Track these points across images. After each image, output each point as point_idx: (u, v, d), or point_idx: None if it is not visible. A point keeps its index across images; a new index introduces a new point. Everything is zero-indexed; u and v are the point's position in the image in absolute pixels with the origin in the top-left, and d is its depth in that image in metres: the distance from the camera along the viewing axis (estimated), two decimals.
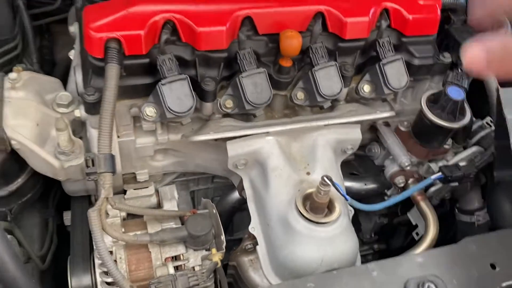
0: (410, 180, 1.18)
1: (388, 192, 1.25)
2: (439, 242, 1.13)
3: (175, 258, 0.96)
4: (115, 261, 0.92)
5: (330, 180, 0.90)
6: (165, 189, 1.09)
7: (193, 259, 0.96)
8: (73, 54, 1.12)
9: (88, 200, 1.16)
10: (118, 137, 1.02)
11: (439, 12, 1.10)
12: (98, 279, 0.93)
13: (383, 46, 1.06)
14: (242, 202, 1.15)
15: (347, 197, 0.93)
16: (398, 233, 1.46)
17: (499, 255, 0.82)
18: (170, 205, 1.05)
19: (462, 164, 1.14)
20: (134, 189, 1.10)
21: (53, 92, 1.03)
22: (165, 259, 0.95)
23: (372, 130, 1.26)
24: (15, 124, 0.92)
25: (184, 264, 0.95)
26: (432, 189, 1.20)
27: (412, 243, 1.18)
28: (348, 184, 1.24)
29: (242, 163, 1.04)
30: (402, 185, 1.19)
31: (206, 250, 0.97)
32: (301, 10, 1.02)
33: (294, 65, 1.05)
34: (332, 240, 0.95)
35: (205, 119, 1.06)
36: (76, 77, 1.04)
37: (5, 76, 0.97)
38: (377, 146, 1.25)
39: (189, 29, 0.95)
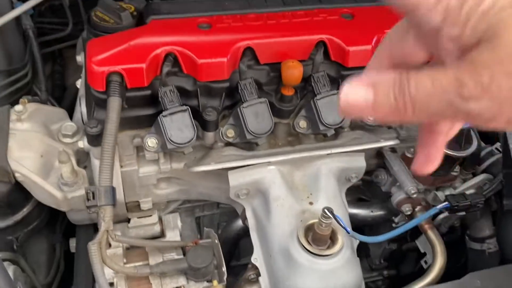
0: (417, 208, 1.16)
1: (396, 219, 1.23)
2: (449, 270, 1.11)
3: None
4: None
5: (331, 212, 0.89)
6: (168, 218, 1.09)
7: None
8: (79, 83, 1.14)
9: (94, 227, 1.17)
10: (121, 166, 1.02)
11: None
12: None
13: None
14: (247, 229, 1.15)
15: (348, 229, 0.91)
16: (408, 259, 1.44)
17: None
18: (173, 234, 1.05)
19: (470, 192, 1.12)
20: (138, 218, 1.10)
21: (58, 122, 1.05)
22: None
23: (378, 156, 1.24)
24: (19, 156, 0.94)
25: None
26: (441, 216, 1.18)
27: (423, 269, 1.15)
28: (355, 211, 1.22)
29: (244, 192, 1.03)
30: (409, 213, 1.17)
31: (207, 282, 0.97)
32: (303, 39, 1.02)
33: (296, 93, 1.05)
34: (334, 273, 0.94)
35: (208, 147, 1.06)
36: (81, 107, 1.06)
37: (11, 109, 0.99)
38: (383, 172, 1.23)
39: (190, 61, 0.96)
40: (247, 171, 1.02)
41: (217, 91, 1.00)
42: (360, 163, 1.08)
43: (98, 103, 0.95)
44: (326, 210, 0.89)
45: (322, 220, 0.90)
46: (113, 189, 0.87)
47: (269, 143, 1.09)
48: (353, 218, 1.18)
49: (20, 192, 0.99)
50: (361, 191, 1.36)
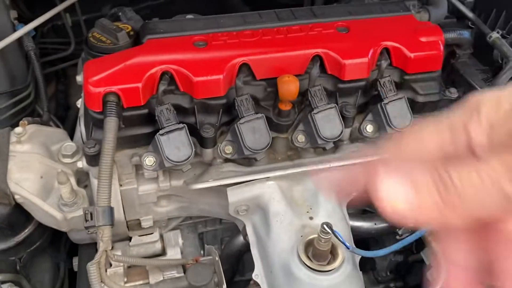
0: None
1: (400, 232, 1.21)
2: None
3: None
4: None
5: (330, 228, 0.88)
6: (169, 235, 1.09)
7: None
8: (80, 103, 1.15)
9: (96, 246, 1.17)
10: (121, 185, 1.03)
11: (442, 48, 1.08)
12: None
13: (384, 85, 1.05)
14: (249, 245, 1.14)
15: (348, 245, 0.90)
16: (415, 271, 1.42)
17: None
18: (174, 252, 1.05)
19: None
20: (139, 236, 1.10)
21: (58, 142, 1.06)
22: None
23: None
24: (19, 178, 0.95)
25: None
26: None
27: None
28: (358, 224, 1.21)
29: (243, 209, 1.03)
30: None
31: None
32: (298, 54, 1.02)
33: (294, 107, 1.05)
34: None
35: (207, 164, 1.06)
36: (81, 127, 1.07)
37: (11, 131, 1.00)
38: None
39: (186, 79, 0.96)
40: (246, 187, 1.02)
41: (214, 108, 1.00)
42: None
43: (95, 124, 0.96)
44: (325, 226, 0.89)
45: (321, 235, 0.89)
46: (111, 209, 0.88)
47: (269, 158, 1.09)
48: (356, 231, 1.17)
49: (21, 214, 1.00)
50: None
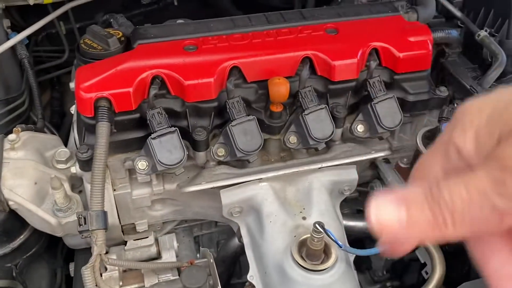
0: None
1: None
2: (454, 279, 1.09)
3: None
4: None
5: (322, 227, 0.89)
6: (164, 239, 1.09)
7: None
8: (73, 110, 1.16)
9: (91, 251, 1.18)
10: (114, 190, 1.04)
11: (430, 47, 1.10)
12: None
13: (373, 85, 1.06)
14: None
15: (340, 244, 0.91)
16: (412, 270, 1.42)
17: None
18: (169, 255, 1.06)
19: None
20: (134, 240, 1.11)
21: (52, 149, 1.07)
22: None
23: (373, 167, 1.24)
24: (13, 184, 0.95)
25: None
26: None
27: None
28: (352, 223, 1.21)
29: (237, 210, 1.04)
30: None
31: None
32: (288, 56, 1.03)
33: (285, 109, 1.06)
34: (329, 287, 0.93)
35: (201, 167, 1.07)
36: (75, 133, 1.08)
37: (5, 138, 1.01)
38: (379, 183, 1.23)
39: (177, 83, 0.97)
40: (239, 189, 1.03)
41: (205, 111, 1.01)
42: (351, 175, 1.08)
43: (88, 129, 0.96)
44: (317, 225, 0.89)
45: (313, 235, 0.90)
46: (104, 213, 0.88)
47: (262, 160, 1.10)
48: (351, 230, 1.18)
49: (15, 220, 1.00)
50: (359, 202, 1.36)
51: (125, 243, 1.13)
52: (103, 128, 0.90)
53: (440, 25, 1.22)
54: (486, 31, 1.18)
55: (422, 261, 1.22)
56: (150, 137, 0.94)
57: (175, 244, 1.09)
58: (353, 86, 1.08)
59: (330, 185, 1.07)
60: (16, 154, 1.00)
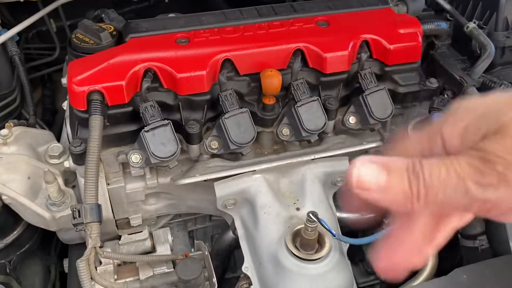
0: None
1: (386, 221, 1.23)
2: (446, 269, 1.11)
3: None
4: None
5: (316, 216, 0.90)
6: (158, 233, 1.10)
7: None
8: (66, 105, 1.16)
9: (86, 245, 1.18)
10: (108, 184, 1.04)
11: (420, 39, 1.11)
12: None
13: (364, 77, 1.07)
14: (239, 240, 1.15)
15: (334, 232, 0.92)
16: None
17: (489, 284, 0.80)
18: (163, 249, 1.06)
19: None
20: (129, 234, 1.11)
21: (45, 144, 1.07)
22: None
23: None
24: (6, 179, 0.95)
25: None
26: None
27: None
28: (345, 215, 1.22)
29: (231, 203, 1.04)
30: None
31: None
32: (280, 49, 1.03)
33: (278, 102, 1.06)
34: (323, 277, 0.94)
35: (194, 160, 1.07)
36: (67, 128, 1.08)
37: None
38: None
39: (170, 76, 0.98)
40: (232, 181, 1.03)
41: (198, 104, 1.01)
42: (344, 166, 1.09)
43: (81, 123, 0.96)
44: (310, 214, 0.90)
45: (307, 224, 0.91)
46: (98, 206, 0.88)
47: (255, 152, 1.10)
48: (343, 222, 1.19)
49: (9, 215, 1.00)
50: None
51: (119, 237, 1.13)
52: (96, 121, 0.90)
53: (430, 18, 1.23)
54: (474, 23, 1.20)
55: None
56: (143, 130, 0.94)
57: (170, 238, 1.09)
58: (345, 78, 1.08)
59: (323, 176, 1.08)
60: (9, 149, 0.99)
